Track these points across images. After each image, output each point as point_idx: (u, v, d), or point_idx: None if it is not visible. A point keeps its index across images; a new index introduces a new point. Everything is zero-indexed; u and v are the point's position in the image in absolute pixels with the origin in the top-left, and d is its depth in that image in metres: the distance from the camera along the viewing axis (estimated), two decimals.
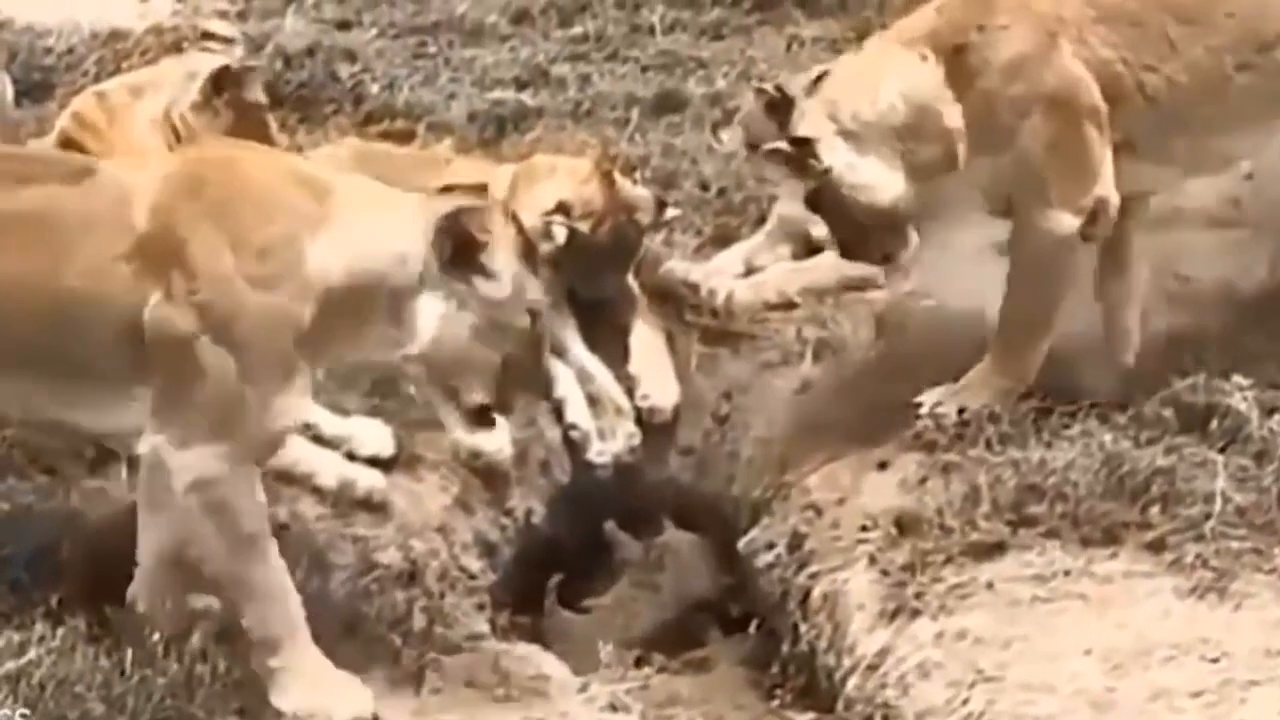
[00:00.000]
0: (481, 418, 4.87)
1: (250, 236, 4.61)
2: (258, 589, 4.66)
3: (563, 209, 6.52)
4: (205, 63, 6.54)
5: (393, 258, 4.69)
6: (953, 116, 5.70)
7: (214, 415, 4.59)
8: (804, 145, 5.76)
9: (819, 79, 5.95)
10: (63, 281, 4.62)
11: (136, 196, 4.67)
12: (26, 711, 4.39)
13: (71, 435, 5.21)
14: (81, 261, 4.63)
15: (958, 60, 5.70)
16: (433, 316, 4.71)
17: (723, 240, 7.35)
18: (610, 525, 6.07)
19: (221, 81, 6.35)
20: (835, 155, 5.74)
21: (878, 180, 5.75)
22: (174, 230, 4.61)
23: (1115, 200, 5.69)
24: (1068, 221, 5.66)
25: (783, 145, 5.80)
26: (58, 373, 4.67)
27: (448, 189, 5.36)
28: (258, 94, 6.50)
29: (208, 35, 7.34)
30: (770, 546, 5.69)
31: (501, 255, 4.75)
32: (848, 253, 6.03)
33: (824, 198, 5.82)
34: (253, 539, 4.65)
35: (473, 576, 5.53)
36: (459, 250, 4.70)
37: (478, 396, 4.81)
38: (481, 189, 5.80)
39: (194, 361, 4.57)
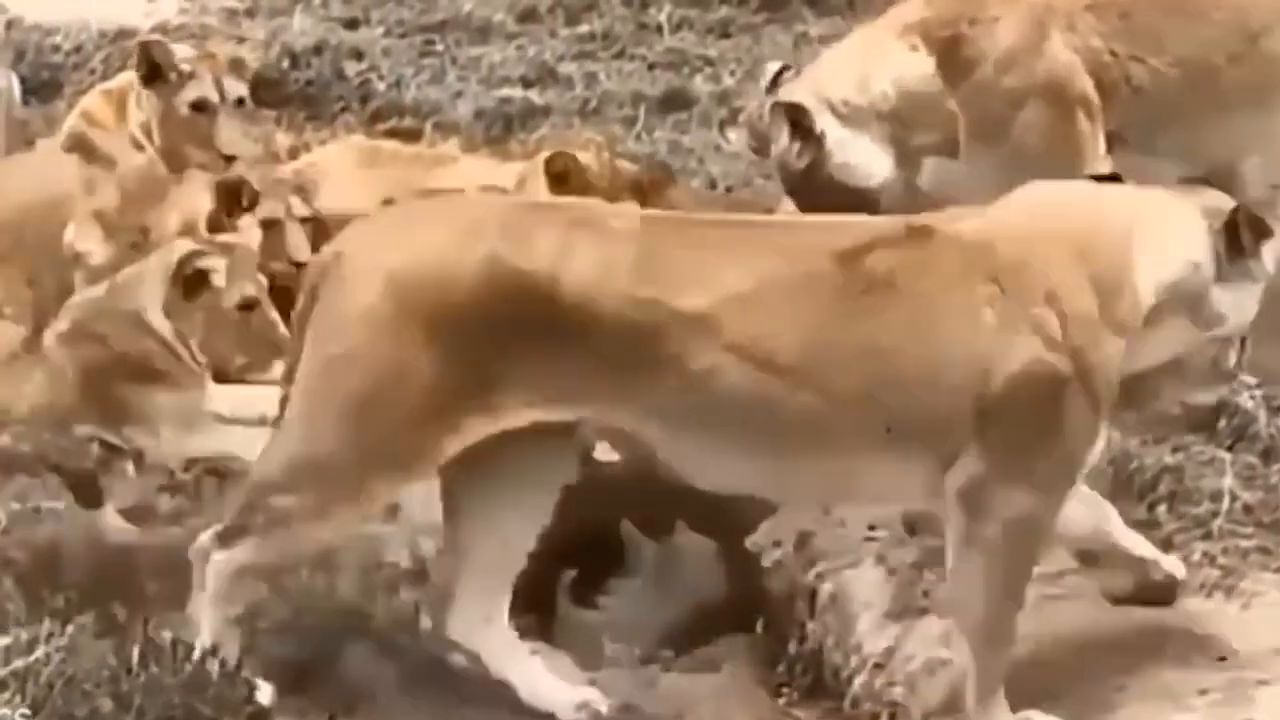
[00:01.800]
0: None
1: (1105, 276, 4.52)
2: (1005, 638, 4.55)
3: None
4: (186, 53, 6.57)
5: (1187, 266, 4.64)
6: (948, 106, 5.70)
7: (1060, 461, 4.50)
8: (799, 111, 5.74)
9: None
10: (929, 346, 4.47)
11: (983, 248, 4.51)
12: (28, 711, 4.37)
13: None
14: (947, 325, 4.47)
15: (951, 54, 5.69)
16: (1247, 298, 4.75)
17: None
18: (626, 524, 6.06)
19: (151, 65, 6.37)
20: (830, 129, 5.73)
21: (868, 160, 5.73)
22: (1039, 271, 4.47)
23: None
24: None
25: (787, 99, 5.77)
26: (900, 444, 4.50)
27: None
28: (202, 90, 6.47)
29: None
30: (777, 544, 5.68)
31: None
32: None
33: (806, 177, 5.76)
34: (1023, 586, 4.56)
35: None
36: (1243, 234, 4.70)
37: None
38: None
39: (1059, 408, 4.45)
